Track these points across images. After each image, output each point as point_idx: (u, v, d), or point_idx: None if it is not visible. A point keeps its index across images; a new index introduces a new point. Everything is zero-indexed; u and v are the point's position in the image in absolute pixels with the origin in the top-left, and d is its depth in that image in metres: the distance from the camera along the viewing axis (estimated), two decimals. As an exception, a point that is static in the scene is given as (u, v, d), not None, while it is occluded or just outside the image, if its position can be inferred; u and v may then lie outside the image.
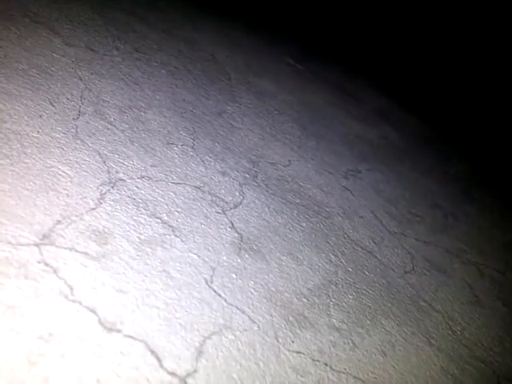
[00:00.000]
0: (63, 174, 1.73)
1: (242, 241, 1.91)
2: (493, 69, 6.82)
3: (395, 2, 7.15)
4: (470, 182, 3.96)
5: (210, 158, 2.31)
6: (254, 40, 4.29)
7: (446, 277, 2.47)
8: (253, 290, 1.72)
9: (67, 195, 1.66)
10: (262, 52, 4.17)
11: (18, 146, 1.73)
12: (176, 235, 1.75)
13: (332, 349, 1.69)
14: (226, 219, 1.97)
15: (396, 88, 5.28)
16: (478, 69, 6.88)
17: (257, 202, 2.20)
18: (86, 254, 1.50)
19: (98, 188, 1.76)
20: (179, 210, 1.87)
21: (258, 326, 1.59)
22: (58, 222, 1.54)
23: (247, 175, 2.36)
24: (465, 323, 2.21)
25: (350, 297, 1.97)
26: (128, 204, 1.76)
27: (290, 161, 2.69)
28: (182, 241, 1.74)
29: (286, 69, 4.15)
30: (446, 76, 6.60)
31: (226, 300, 1.61)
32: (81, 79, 2.33)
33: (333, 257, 2.14)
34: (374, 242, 2.41)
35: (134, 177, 1.90)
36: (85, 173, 1.80)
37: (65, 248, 1.46)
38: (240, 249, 1.87)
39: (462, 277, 2.55)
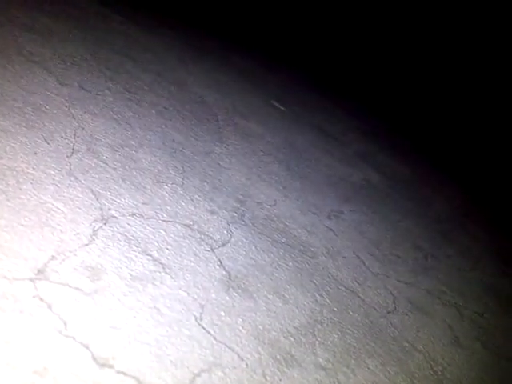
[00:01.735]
0: (57, 210, 1.77)
1: (230, 279, 1.95)
2: (467, 114, 7.12)
3: (371, 45, 7.47)
4: (450, 224, 4.07)
5: (199, 196, 2.37)
6: (242, 83, 4.43)
7: (427, 318, 2.52)
8: (241, 328, 1.75)
9: (61, 231, 1.69)
10: (249, 95, 4.31)
11: (14, 181, 1.76)
12: (166, 272, 1.78)
13: (318, 388, 1.71)
14: (214, 257, 2.01)
15: (377, 133, 5.46)
16: (457, 113, 7.17)
17: (244, 240, 2.25)
18: (79, 289, 1.52)
19: (90, 224, 1.79)
20: (169, 247, 1.91)
21: (247, 364, 1.61)
22: (53, 257, 1.56)
23: (235, 214, 2.41)
24: (446, 363, 2.26)
25: (335, 336, 2.00)
26: (120, 241, 1.79)
27: (275, 200, 2.76)
28: (172, 278, 1.77)
29: (271, 111, 4.28)
30: (425, 120, 6.86)
31: (215, 337, 1.64)
32: (74, 118, 2.39)
33: (318, 296, 2.18)
34: (358, 283, 2.46)
35: (125, 214, 1.94)
36: (78, 209, 1.83)
37: (59, 283, 1.48)
38: (228, 287, 1.90)
39: (442, 318, 2.60)
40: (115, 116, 2.64)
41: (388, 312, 2.38)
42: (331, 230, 2.86)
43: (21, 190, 1.75)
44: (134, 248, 1.80)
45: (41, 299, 1.39)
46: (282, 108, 4.54)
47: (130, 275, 1.68)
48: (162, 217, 2.06)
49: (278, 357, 1.72)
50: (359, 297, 2.36)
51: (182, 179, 2.43)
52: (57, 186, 1.88)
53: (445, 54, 7.64)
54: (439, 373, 2.18)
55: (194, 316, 1.67)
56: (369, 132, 5.27)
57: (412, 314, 2.46)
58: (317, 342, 1.90)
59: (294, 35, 7.29)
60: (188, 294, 1.75)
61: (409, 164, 4.86)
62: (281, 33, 7.12)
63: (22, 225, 1.61)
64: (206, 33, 5.15)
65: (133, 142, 2.49)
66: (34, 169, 1.89)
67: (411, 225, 3.56)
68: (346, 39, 7.80)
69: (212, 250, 2.05)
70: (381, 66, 7.59)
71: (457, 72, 7.56)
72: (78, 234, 1.72)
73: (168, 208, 2.13)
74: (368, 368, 1.94)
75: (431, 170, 5.14)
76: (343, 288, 2.36)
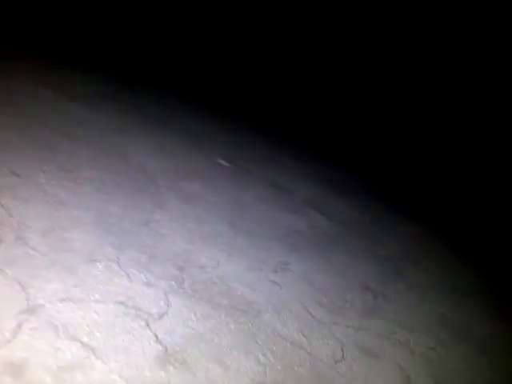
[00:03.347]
0: (-21, 307, 1.75)
1: (166, 353, 1.94)
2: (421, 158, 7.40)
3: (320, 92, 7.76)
4: (401, 261, 4.15)
5: (135, 270, 2.38)
6: (185, 144, 4.52)
7: (377, 361, 2.54)
8: (177, 404, 1.73)
9: (-18, 330, 1.67)
10: (192, 155, 4.39)
11: None
12: (97, 357, 1.77)
13: None
14: (150, 332, 2.01)
15: (325, 178, 5.60)
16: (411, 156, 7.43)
17: (183, 309, 2.25)
18: (-1, 390, 1.49)
19: (15, 317, 1.78)
20: (101, 329, 1.90)
21: None
22: (-30, 360, 1.54)
23: (173, 283, 2.42)
24: (397, 407, 2.27)
25: (279, 396, 2.00)
26: (46, 330, 1.78)
27: (218, 262, 2.79)
28: (103, 362, 1.76)
29: (216, 169, 4.37)
30: (371, 161, 7.09)
31: (147, 420, 1.62)
32: (2, 206, 2.39)
33: (261, 356, 2.19)
34: (303, 335, 2.48)
35: (54, 301, 1.93)
36: (2, 303, 1.82)
37: (-24, 388, 1.46)
38: (165, 362, 1.89)
39: (393, 358, 2.63)
40: (47, 198, 2.66)
41: (336, 361, 2.39)
42: (277, 283, 2.88)
43: None
44: (62, 336, 1.78)
45: (-47, 409, 1.36)
46: (228, 165, 4.64)
47: (57, 366, 1.66)
48: (94, 298, 2.05)
49: (217, 429, 1.71)
50: (305, 350, 2.37)
51: (118, 254, 2.44)
52: (-21, 281, 1.86)
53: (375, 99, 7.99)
54: (390, 418, 2.18)
55: (126, 399, 1.66)
56: (317, 178, 5.40)
57: (361, 360, 2.48)
58: (259, 407, 1.89)
59: (238, 88, 7.53)
60: (120, 376, 1.73)
61: (357, 206, 4.98)
62: (224, 88, 7.35)
63: None
64: (145, 95, 5.28)
65: (65, 223, 2.50)
66: (-46, 267, 1.87)
67: (361, 266, 3.62)
68: (290, 89, 8.09)
69: (147, 325, 2.04)
70: (327, 114, 7.88)
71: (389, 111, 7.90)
72: (0, 330, 1.70)
73: (101, 287, 2.13)
74: (313, 426, 1.93)
75: (381, 210, 5.26)
76: (288, 344, 2.37)
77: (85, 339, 1.82)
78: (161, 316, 2.13)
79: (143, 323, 2.04)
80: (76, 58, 5.72)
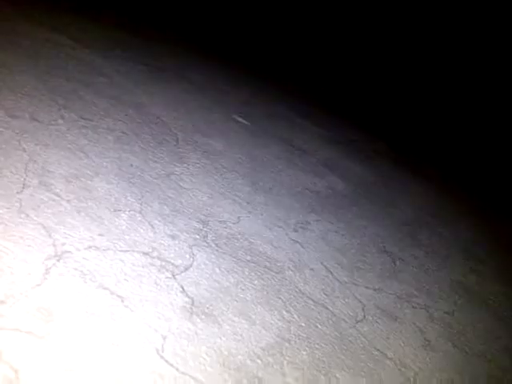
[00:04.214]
0: (7, 250, 1.72)
1: (193, 305, 1.92)
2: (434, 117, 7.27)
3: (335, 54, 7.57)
4: (416, 225, 4.11)
5: (159, 221, 2.34)
6: (202, 100, 4.41)
7: (397, 323, 2.53)
8: (205, 356, 1.72)
9: (11, 273, 1.64)
10: (209, 111, 4.29)
11: (-41, 225, 1.71)
12: (125, 305, 1.74)
13: (287, 409, 1.69)
14: (176, 284, 1.98)
15: (340, 140, 5.50)
16: (421, 118, 7.30)
17: (207, 262, 2.23)
18: (31, 333, 1.47)
19: (43, 263, 1.75)
20: (128, 278, 1.87)
21: (212, 393, 1.59)
22: (2, 302, 1.51)
23: (197, 236, 2.39)
24: (417, 368, 2.27)
25: (304, 353, 1.99)
26: (74, 277, 1.75)
27: (239, 218, 2.75)
28: (132, 311, 1.74)
29: (233, 126, 4.28)
30: (386, 125, 6.96)
31: (177, 369, 1.61)
32: (25, 151, 2.33)
33: (285, 313, 2.17)
34: (325, 294, 2.46)
35: (80, 248, 1.90)
36: (29, 248, 1.78)
37: (9, 329, 1.44)
38: (191, 313, 1.88)
39: (412, 321, 2.62)
40: (69, 145, 2.59)
41: (357, 321, 2.38)
42: (297, 242, 2.85)
43: (-34, 233, 1.69)
44: (90, 283, 1.76)
45: (-12, 349, 1.34)
46: (245, 122, 4.54)
47: (86, 312, 1.64)
48: (120, 247, 2.02)
49: (245, 381, 1.70)
50: (327, 309, 2.36)
51: (141, 205, 2.40)
52: (6, 224, 1.83)
53: (401, 64, 7.79)
54: (411, 379, 2.19)
55: (156, 349, 1.64)
56: (332, 139, 5.30)
57: (381, 321, 2.47)
58: (285, 362, 1.89)
59: (255, 45, 7.32)
60: (149, 325, 1.72)
61: (372, 169, 4.90)
62: (241, 44, 7.16)
63: (-32, 271, 1.55)
64: (160, 51, 5.12)
65: (88, 171, 2.45)
66: (-19, 209, 1.83)
67: (378, 229, 3.58)
68: (309, 47, 7.88)
69: (173, 276, 2.02)
70: (344, 75, 7.69)
71: (413, 77, 7.71)
72: (29, 274, 1.67)
73: (126, 237, 2.10)
74: (338, 382, 1.93)
75: (395, 173, 5.19)
76: (311, 301, 2.35)
77: (113, 287, 1.79)
78: (186, 268, 2.11)
79: (169, 274, 2.01)
80: (87, 4, 5.53)
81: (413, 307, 2.75)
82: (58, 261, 1.78)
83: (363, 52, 7.90)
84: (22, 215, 1.92)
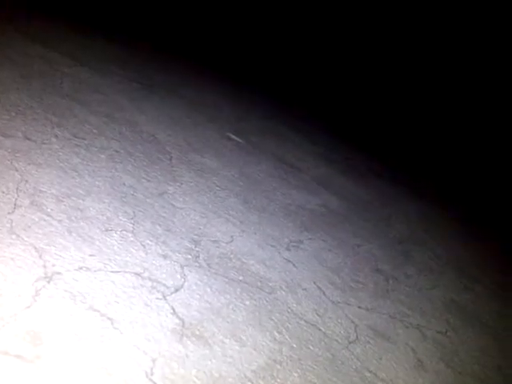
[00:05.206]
0: (-4, 272, 1.71)
1: (183, 327, 1.91)
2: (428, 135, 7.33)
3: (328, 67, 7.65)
4: (410, 243, 4.13)
5: (151, 241, 2.33)
6: (196, 117, 4.44)
7: (389, 343, 2.53)
8: (196, 379, 1.71)
9: (0, 295, 1.63)
10: (203, 128, 4.31)
11: None
12: (115, 327, 1.73)
13: (278, 433, 1.68)
14: (167, 305, 1.97)
15: (334, 157, 5.53)
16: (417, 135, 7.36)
17: (199, 283, 2.22)
18: (20, 356, 1.46)
19: (33, 284, 1.74)
20: (118, 300, 1.86)
21: (201, 418, 1.57)
22: (-11, 325, 1.50)
23: (189, 256, 2.38)
24: (410, 390, 2.26)
25: (295, 375, 1.98)
26: (64, 298, 1.74)
27: (232, 237, 2.75)
28: (121, 333, 1.73)
29: (226, 143, 4.29)
30: (379, 141, 7.01)
31: (167, 392, 1.59)
32: (17, 170, 2.33)
33: (277, 334, 2.16)
34: (318, 315, 2.45)
35: (71, 269, 1.89)
36: (19, 269, 1.77)
37: (-4, 353, 1.42)
38: (182, 335, 1.86)
39: (405, 341, 2.61)
40: (61, 164, 2.60)
41: (350, 342, 2.37)
42: (290, 261, 2.85)
43: (-44, 255, 1.69)
44: (80, 305, 1.75)
45: (-26, 374, 1.33)
46: (239, 140, 4.57)
47: (76, 335, 1.62)
48: (111, 267, 2.01)
49: (235, 405, 1.69)
50: (320, 329, 2.35)
51: (133, 225, 2.39)
52: (-4, 246, 1.82)
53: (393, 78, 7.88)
54: (404, 400, 2.17)
55: (145, 372, 1.63)
56: (327, 157, 5.33)
57: (374, 342, 2.46)
58: (276, 384, 1.87)
59: (248, 60, 7.39)
60: (138, 348, 1.70)
61: (367, 187, 4.92)
62: (234, 59, 7.22)
63: (-44, 294, 1.54)
64: (155, 68, 5.15)
65: (80, 191, 2.45)
66: (-29, 231, 1.83)
67: (372, 248, 3.59)
68: (302, 62, 7.96)
69: (164, 297, 2.01)
70: (339, 90, 7.76)
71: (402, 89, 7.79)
72: (19, 295, 1.66)
73: (117, 258, 2.09)
74: (330, 405, 1.92)
75: (390, 191, 5.21)
76: (303, 322, 2.34)
77: (103, 309, 1.78)
78: (177, 289, 2.10)
79: (160, 295, 2.00)
80: (83, 21, 5.57)
81: (405, 327, 2.74)
82: (49, 282, 1.77)
83: (358, 68, 7.99)
84: (13, 236, 1.91)
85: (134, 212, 2.50)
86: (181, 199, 2.89)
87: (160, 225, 2.52)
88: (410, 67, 7.81)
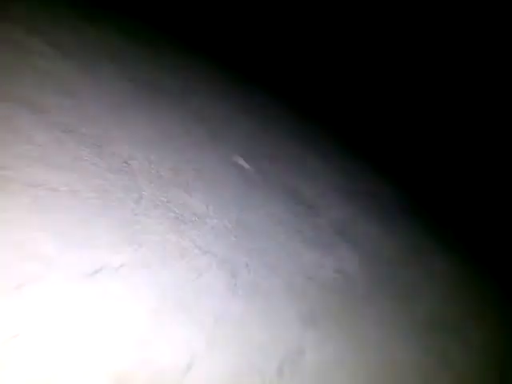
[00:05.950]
0: None
1: None
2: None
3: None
4: (445, 332, 3.17)
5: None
6: (196, 133, 3.50)
7: None
8: None
9: None
10: (203, 150, 3.38)
11: None
12: None
13: None
14: None
15: (359, 187, 4.56)
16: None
17: None
18: None
19: None
20: None
21: None
22: None
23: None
24: None
25: None
26: None
27: (189, 365, 1.81)
28: None
29: (229, 171, 3.36)
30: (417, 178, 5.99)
31: None
32: None
33: None
34: None
35: None
36: None
37: None
38: None
39: None
40: None
41: None
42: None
43: None
44: None
45: None
46: (246, 166, 3.63)
47: None
48: None
49: None
50: None
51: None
52: None
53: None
54: None
55: None
56: (349, 189, 4.37)
57: None
58: None
59: (268, 70, 6.40)
60: None
61: (393, 235, 3.95)
62: (252, 64, 6.23)
63: None
64: (156, 64, 4.21)
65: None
66: None
67: (394, 349, 2.64)
68: (320, 73, 6.95)
69: None
70: (374, 112, 6.75)
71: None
72: None
73: None
74: None
75: (420, 242, 4.22)
76: None
77: None
78: None
79: None
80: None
81: None
82: None
83: (377, 83, 6.94)
84: None
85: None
86: (123, 284, 1.95)
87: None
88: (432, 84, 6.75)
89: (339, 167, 4.82)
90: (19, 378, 1.39)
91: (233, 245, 2.60)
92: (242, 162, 3.65)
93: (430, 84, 6.59)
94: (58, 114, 2.62)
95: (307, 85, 6.23)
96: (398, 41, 6.44)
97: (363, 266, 3.30)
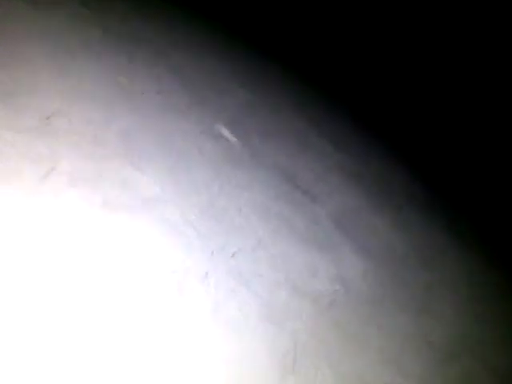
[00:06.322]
0: None
1: None
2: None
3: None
4: (464, 357, 2.55)
5: None
6: (169, 92, 2.80)
7: None
8: None
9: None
10: (177, 117, 2.69)
11: None
12: None
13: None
14: None
15: (366, 171, 3.86)
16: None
17: None
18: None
19: None
20: None
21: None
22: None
23: None
24: None
25: None
26: None
27: None
28: None
29: (210, 145, 2.68)
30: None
31: None
32: None
33: None
34: None
35: None
36: None
37: None
38: None
39: None
40: None
41: None
42: None
43: None
44: None
45: None
46: (232, 138, 2.94)
47: None
48: None
49: None
50: None
51: None
52: None
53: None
54: None
55: None
56: (356, 174, 3.67)
57: None
58: None
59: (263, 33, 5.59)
60: None
61: (405, 231, 3.29)
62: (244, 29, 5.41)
63: None
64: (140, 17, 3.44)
65: None
66: None
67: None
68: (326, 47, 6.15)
69: None
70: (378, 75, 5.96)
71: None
72: None
73: None
74: None
75: (439, 239, 3.55)
76: None
77: None
78: None
79: None
80: None
81: None
82: None
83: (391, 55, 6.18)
84: None
85: None
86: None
87: None
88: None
89: (344, 144, 4.10)
90: None
91: (188, 245, 1.93)
92: (226, 132, 2.96)
93: (452, 65, 5.88)
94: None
95: (317, 54, 5.44)
96: (412, 18, 5.73)
97: (367, 276, 2.65)
